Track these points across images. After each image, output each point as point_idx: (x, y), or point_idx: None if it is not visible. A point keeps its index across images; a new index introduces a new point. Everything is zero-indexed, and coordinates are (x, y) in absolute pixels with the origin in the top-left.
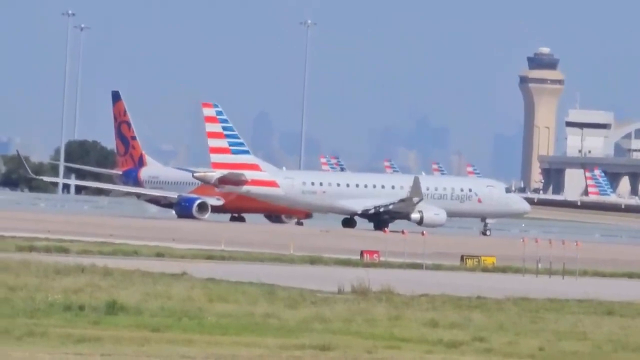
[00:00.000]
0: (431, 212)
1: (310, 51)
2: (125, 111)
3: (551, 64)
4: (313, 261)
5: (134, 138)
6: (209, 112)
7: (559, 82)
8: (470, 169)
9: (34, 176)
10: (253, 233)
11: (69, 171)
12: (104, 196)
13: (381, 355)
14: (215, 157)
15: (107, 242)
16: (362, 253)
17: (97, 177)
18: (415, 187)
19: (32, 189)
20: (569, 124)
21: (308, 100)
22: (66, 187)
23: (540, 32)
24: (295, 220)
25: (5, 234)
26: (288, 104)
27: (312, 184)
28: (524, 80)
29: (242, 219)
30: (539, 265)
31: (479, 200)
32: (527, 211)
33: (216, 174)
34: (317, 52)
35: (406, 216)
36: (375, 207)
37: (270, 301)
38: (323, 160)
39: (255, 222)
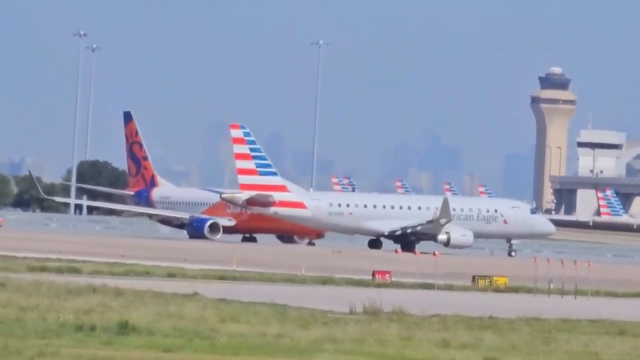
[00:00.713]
0: (458, 233)
1: (322, 71)
2: (137, 132)
3: (563, 84)
4: (325, 281)
5: (145, 158)
6: (236, 133)
7: (571, 102)
8: (482, 189)
9: (45, 197)
10: (265, 253)
11: (80, 192)
12: (115, 216)
13: None
14: (243, 179)
15: (118, 262)
16: (373, 273)
17: (108, 197)
18: (444, 208)
19: (44, 209)
20: (581, 144)
21: (320, 120)
22: (78, 207)
23: (551, 53)
24: (307, 240)
25: (17, 254)
26: (300, 124)
27: (339, 205)
28: (535, 100)
29: (253, 240)
30: (551, 286)
31: (505, 221)
32: (551, 232)
33: (244, 195)
34: (329, 73)
35: (433, 237)
36: (402, 228)
37: (282, 321)
38: (335, 180)
39: (267, 242)
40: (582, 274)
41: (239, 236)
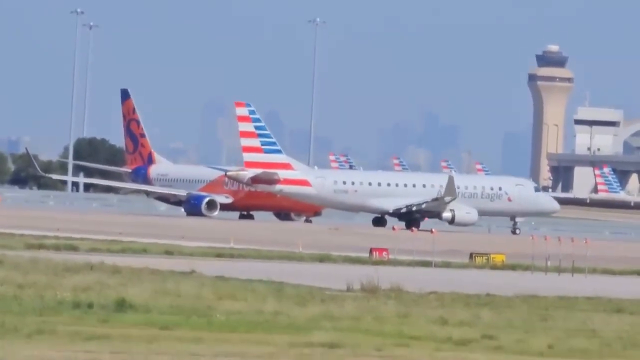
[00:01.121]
0: (463, 211)
1: (319, 49)
2: (134, 109)
3: (560, 62)
4: (322, 259)
5: (143, 136)
6: (241, 111)
7: (568, 79)
8: (479, 167)
9: (43, 174)
10: (262, 231)
11: (78, 169)
12: (113, 194)
13: (390, 353)
14: (247, 156)
15: (116, 239)
16: (371, 251)
17: (106, 175)
18: (450, 186)
19: (41, 187)
20: (578, 122)
21: (317, 98)
22: (75, 185)
23: (548, 30)
24: (304, 218)
25: (14, 232)
26: (298, 102)
27: (344, 182)
28: (532, 78)
29: (251, 217)
30: (548, 263)
31: (509, 199)
32: (556, 210)
33: (249, 173)
34: (326, 51)
35: (437, 215)
36: (407, 206)
37: (279, 299)
38: (332, 158)
39: (264, 219)
40: (579, 252)
41: (236, 213)
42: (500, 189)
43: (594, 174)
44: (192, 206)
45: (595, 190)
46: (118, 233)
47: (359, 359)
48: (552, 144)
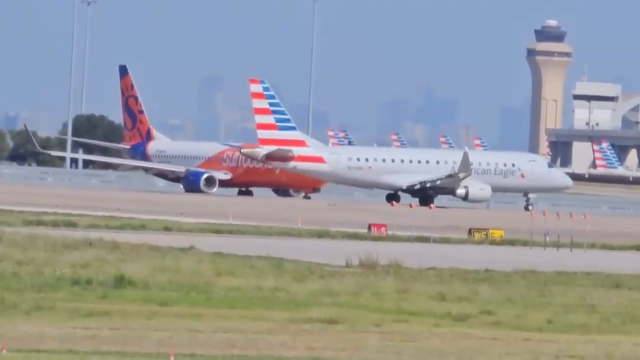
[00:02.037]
0: (476, 187)
1: (317, 24)
2: (132, 85)
3: (558, 37)
4: (321, 235)
5: (141, 112)
6: (256, 88)
7: (567, 54)
8: (477, 142)
9: (41, 150)
10: (261, 207)
11: (76, 145)
12: (111, 170)
13: (389, 328)
14: (262, 133)
15: (114, 216)
16: (369, 226)
17: (104, 151)
18: (464, 162)
19: (39, 163)
20: (577, 97)
21: (315, 73)
22: (74, 161)
23: (547, 5)
24: (303, 194)
25: (13, 208)
26: (296, 77)
27: (358, 159)
28: (531, 53)
29: (249, 193)
30: (547, 238)
31: (522, 175)
32: (569, 186)
33: (263, 150)
34: (324, 25)
35: (451, 192)
36: (420, 183)
37: (278, 275)
38: (331, 133)
39: (263, 195)
40: (578, 227)
41: (235, 189)
42: (513, 165)
43: (593, 149)
44: (191, 182)
45: (593, 165)
46: (117, 209)
47: (358, 334)
48: (551, 119)
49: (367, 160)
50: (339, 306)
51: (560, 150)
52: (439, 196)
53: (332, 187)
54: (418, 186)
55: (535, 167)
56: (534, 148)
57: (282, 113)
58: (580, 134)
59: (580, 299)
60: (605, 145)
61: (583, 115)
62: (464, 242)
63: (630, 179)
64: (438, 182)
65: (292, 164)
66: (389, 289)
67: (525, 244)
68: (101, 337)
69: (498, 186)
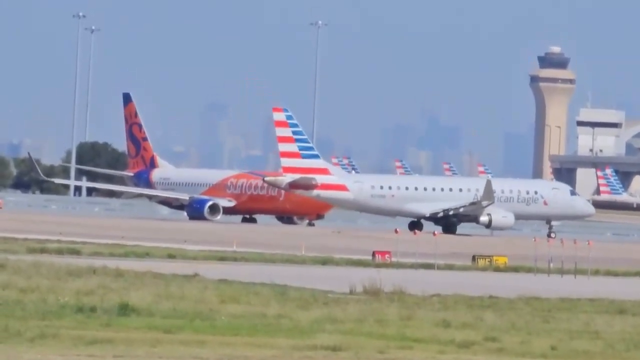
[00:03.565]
0: (499, 214)
1: (321, 52)
2: (136, 113)
3: (562, 63)
4: (325, 262)
5: (145, 139)
6: (279, 116)
7: (570, 81)
8: (481, 168)
9: (45, 178)
10: (265, 234)
11: (80, 173)
12: (115, 198)
13: (393, 355)
14: (285, 162)
15: (118, 243)
16: (373, 253)
17: (108, 179)
18: (487, 190)
19: (43, 191)
20: (580, 123)
21: (319, 100)
22: (77, 189)
23: (550, 32)
24: (307, 221)
25: (17, 236)
26: (299, 104)
27: (381, 187)
28: (534, 79)
29: (253, 220)
30: (551, 265)
31: (545, 203)
32: (591, 213)
33: (287, 178)
34: (328, 53)
35: (475, 219)
36: (444, 210)
37: (282, 302)
38: (335, 160)
39: (267, 223)
40: (581, 253)
41: (239, 217)
42: (536, 192)
43: (597, 176)
44: (195, 210)
45: (597, 191)
46: (121, 237)
47: None
48: (555, 145)
49: (390, 188)
50: (343, 333)
51: (564, 177)
52: (462, 224)
53: (336, 214)
54: (441, 214)
55: (557, 194)
56: (537, 174)
57: (305, 141)
58: (584, 160)
59: (584, 326)
60: (609, 171)
61: (587, 142)
62: (468, 269)
63: (634, 205)
64: (461, 210)
65: (315, 192)
66: (393, 315)
67: (529, 270)
68: None
69: (521, 214)
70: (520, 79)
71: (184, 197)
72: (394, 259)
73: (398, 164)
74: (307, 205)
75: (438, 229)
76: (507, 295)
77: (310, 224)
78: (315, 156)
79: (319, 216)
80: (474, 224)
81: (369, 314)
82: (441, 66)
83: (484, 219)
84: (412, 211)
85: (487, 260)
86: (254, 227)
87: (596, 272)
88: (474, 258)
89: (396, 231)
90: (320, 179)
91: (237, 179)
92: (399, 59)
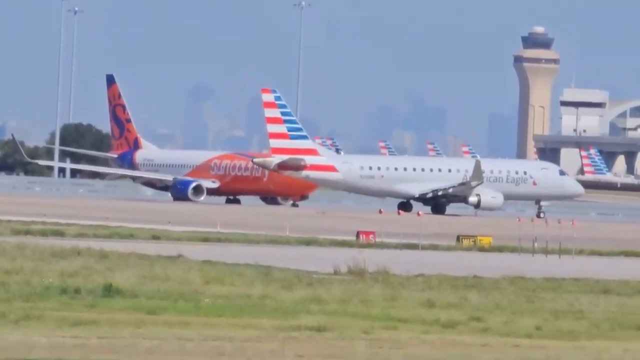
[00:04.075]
0: (488, 195)
1: (304, 33)
2: (119, 94)
3: (546, 43)
4: (309, 242)
5: (128, 121)
6: (267, 97)
7: (554, 61)
8: (465, 149)
9: (29, 160)
10: (249, 215)
11: (64, 155)
12: (99, 179)
13: (378, 335)
14: (274, 143)
15: (102, 225)
16: (358, 234)
17: (92, 160)
18: (476, 170)
19: (27, 172)
20: (564, 103)
21: (303, 81)
22: (62, 170)
23: (534, 12)
24: (291, 202)
25: (1, 217)
26: (283, 85)
27: (370, 168)
28: (518, 59)
29: (237, 201)
30: (535, 245)
31: (534, 183)
32: (581, 193)
33: (275, 159)
34: (311, 34)
35: (463, 199)
36: (433, 191)
37: (266, 283)
38: (319, 141)
39: (251, 204)
40: (566, 233)
41: (223, 198)
42: (525, 173)
43: (580, 156)
44: (179, 191)
45: (581, 171)
46: (105, 218)
47: (346, 342)
48: (539, 125)
49: (379, 168)
50: (328, 314)
51: (548, 157)
52: (451, 204)
53: (320, 194)
54: (430, 194)
55: (547, 175)
56: (521, 154)
57: (294, 122)
58: (568, 140)
59: (569, 305)
60: (593, 151)
61: (571, 122)
62: (452, 249)
63: (618, 185)
64: (450, 190)
65: (304, 172)
66: (378, 296)
67: (513, 250)
68: (90, 346)
69: (510, 194)
70: (504, 60)
71: (168, 178)
72: (378, 240)
73: (382, 144)
74: (291, 186)
75: (427, 210)
76: (491, 275)
77: (295, 205)
78: (304, 137)
79: (303, 197)
80: (463, 205)
81: (353, 294)
82: (425, 47)
83: (473, 199)
84: (401, 192)
85: (471, 240)
86: (238, 208)
87: (581, 252)
88: (458, 238)
89: (380, 211)
90: (309, 159)
91: (220, 160)
92: (383, 40)
